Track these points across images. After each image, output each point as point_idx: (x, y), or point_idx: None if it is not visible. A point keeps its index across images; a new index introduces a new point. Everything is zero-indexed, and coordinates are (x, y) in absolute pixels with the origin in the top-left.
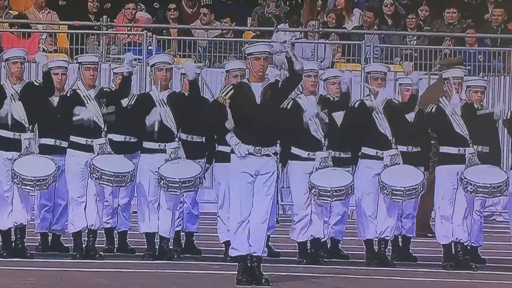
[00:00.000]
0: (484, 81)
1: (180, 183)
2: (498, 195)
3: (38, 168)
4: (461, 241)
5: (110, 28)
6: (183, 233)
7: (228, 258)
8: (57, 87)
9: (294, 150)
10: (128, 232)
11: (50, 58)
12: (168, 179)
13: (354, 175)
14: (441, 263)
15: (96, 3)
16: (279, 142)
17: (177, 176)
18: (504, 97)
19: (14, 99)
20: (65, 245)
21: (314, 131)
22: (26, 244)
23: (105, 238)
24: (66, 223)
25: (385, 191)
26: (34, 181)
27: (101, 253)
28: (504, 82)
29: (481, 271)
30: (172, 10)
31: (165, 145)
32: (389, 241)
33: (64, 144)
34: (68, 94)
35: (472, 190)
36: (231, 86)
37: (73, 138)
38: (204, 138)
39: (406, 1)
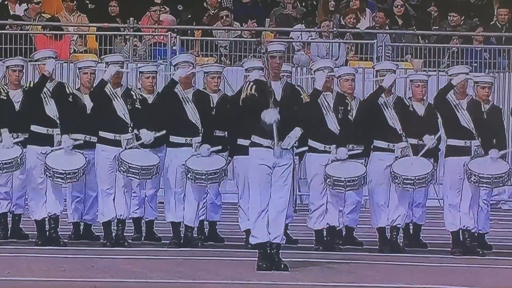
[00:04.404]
0: (491, 78)
1: (206, 175)
2: (500, 185)
3: (69, 162)
4: (468, 228)
5: (136, 30)
6: (207, 222)
7: (249, 246)
8: (87, 86)
9: (312, 143)
10: (155, 221)
11: (81, 58)
12: (195, 171)
13: (367, 167)
14: (449, 249)
15: (115, 7)
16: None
17: (203, 168)
18: (509, 93)
19: (46, 97)
20: (96, 234)
21: (331, 125)
22: (59, 233)
23: (133, 227)
24: (97, 213)
25: (397, 180)
26: (65, 174)
27: (130, 241)
28: (509, 79)
29: (488, 256)
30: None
31: (191, 139)
32: (401, 228)
33: (94, 139)
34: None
35: (475, 180)
36: (252, 82)
37: (102, 134)
38: (226, 133)
39: (416, 2)
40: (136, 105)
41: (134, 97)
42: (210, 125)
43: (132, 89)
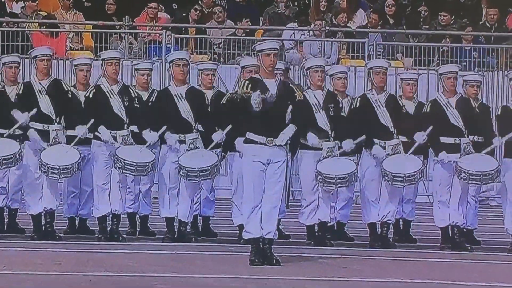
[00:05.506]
0: (480, 76)
1: (198, 172)
2: (489, 182)
3: (63, 158)
4: (457, 224)
5: (131, 27)
6: (200, 217)
7: (242, 241)
8: (82, 83)
9: (304, 141)
10: (149, 216)
11: (77, 56)
12: (187, 168)
13: (359, 163)
14: (439, 244)
15: (112, 5)
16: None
17: (195, 165)
18: (497, 91)
19: (41, 94)
20: (91, 228)
21: (321, 123)
22: (55, 227)
23: (128, 222)
24: (92, 208)
25: (387, 177)
26: (59, 170)
27: (124, 236)
28: (497, 77)
29: (476, 252)
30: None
31: (184, 136)
32: (391, 224)
33: (90, 135)
34: (93, 89)
35: (465, 177)
36: (247, 81)
37: (98, 130)
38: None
39: (406, 1)
40: (133, 102)
41: (132, 95)
42: (207, 122)
43: (129, 86)
